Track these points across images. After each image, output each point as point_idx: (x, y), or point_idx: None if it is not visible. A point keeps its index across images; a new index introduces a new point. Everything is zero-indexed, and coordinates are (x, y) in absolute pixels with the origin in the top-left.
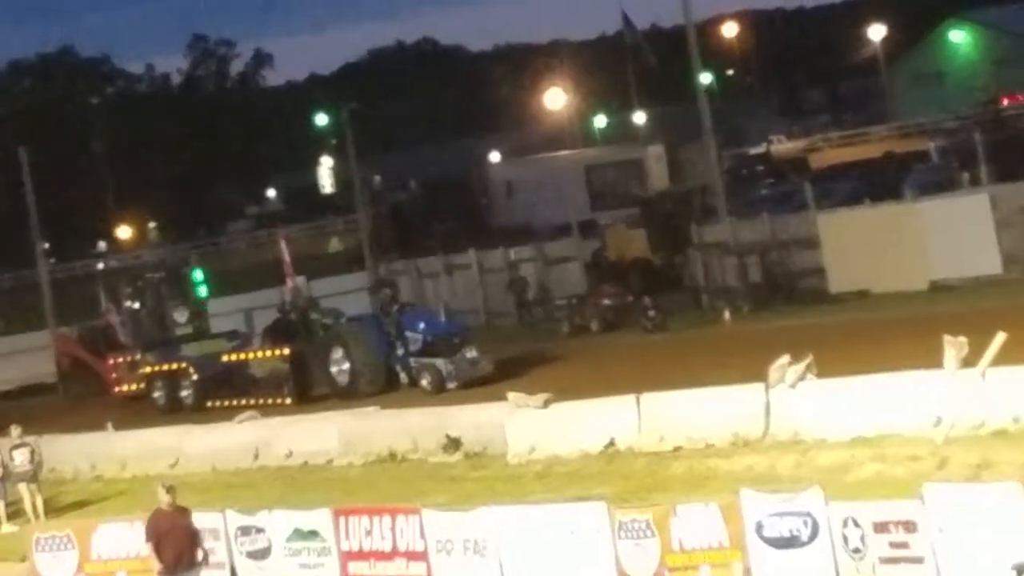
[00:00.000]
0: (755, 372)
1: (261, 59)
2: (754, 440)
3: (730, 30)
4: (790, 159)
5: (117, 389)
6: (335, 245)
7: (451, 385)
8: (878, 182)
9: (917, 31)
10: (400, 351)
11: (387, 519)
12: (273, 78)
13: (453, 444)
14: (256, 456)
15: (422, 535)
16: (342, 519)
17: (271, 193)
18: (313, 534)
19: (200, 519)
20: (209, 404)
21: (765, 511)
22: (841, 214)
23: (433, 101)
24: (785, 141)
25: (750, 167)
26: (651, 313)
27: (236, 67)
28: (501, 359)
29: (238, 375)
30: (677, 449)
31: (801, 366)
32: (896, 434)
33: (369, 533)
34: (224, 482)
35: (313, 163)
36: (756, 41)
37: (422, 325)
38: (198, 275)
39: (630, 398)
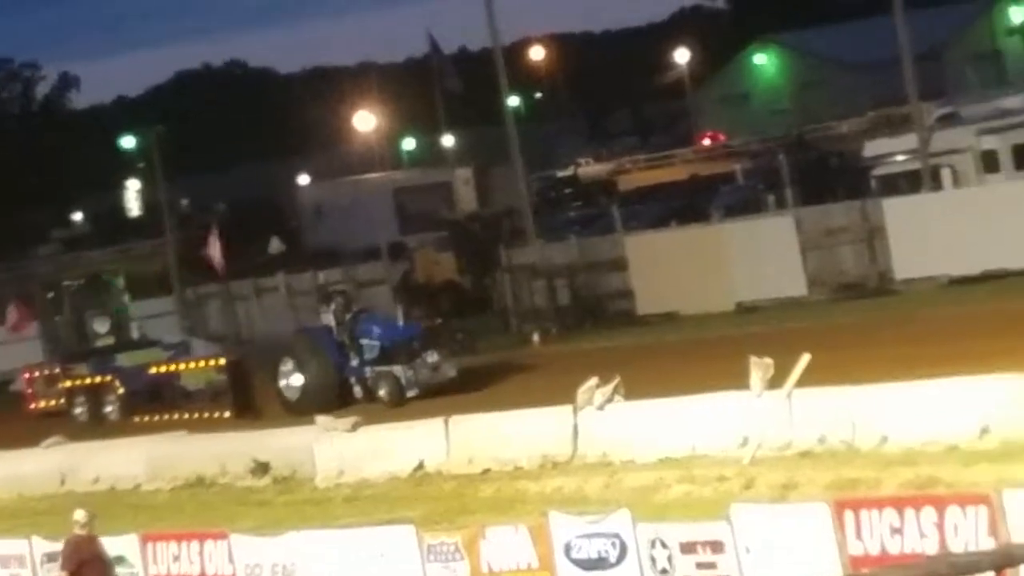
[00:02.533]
0: (564, 394)
1: (68, 82)
2: (562, 462)
3: (537, 53)
4: (598, 181)
5: (33, 405)
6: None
7: (412, 393)
8: (685, 204)
9: (723, 54)
10: (355, 361)
11: (195, 544)
12: (80, 101)
13: (261, 468)
14: (63, 481)
15: (231, 560)
16: (150, 544)
17: (78, 216)
18: (120, 560)
19: (5, 546)
20: (137, 419)
21: (573, 533)
22: (648, 236)
23: (242, 124)
24: (593, 164)
25: (558, 190)
26: (459, 336)
27: (42, 90)
28: None
29: (168, 387)
30: (486, 471)
31: (609, 388)
32: (704, 455)
33: (177, 558)
34: (30, 508)
35: (120, 186)
36: (564, 64)
37: (377, 330)
38: (120, 283)
39: (438, 421)
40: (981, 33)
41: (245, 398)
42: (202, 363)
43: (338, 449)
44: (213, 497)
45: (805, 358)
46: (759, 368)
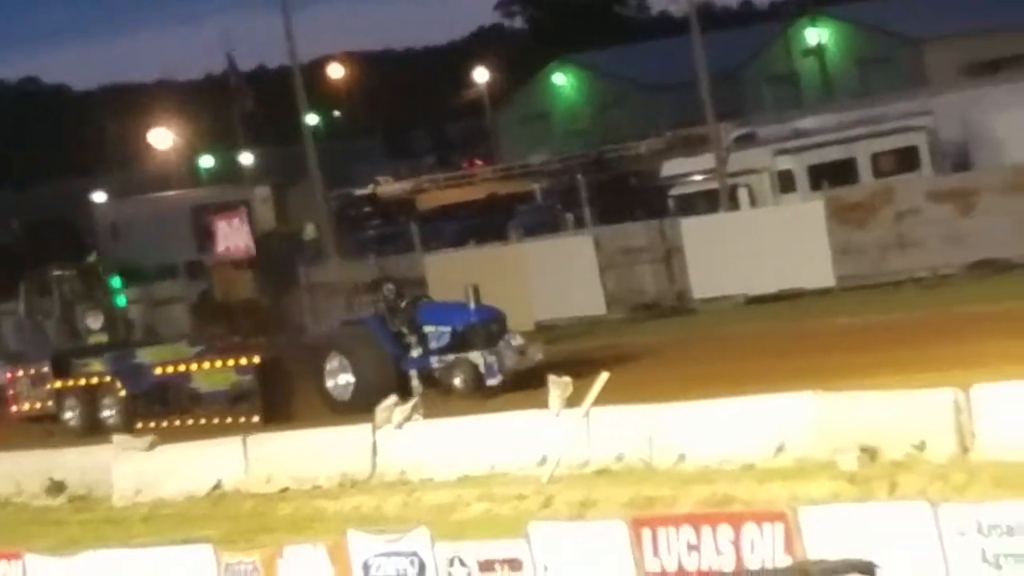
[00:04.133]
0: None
1: None
2: (361, 480)
3: (337, 71)
4: (397, 200)
5: (15, 408)
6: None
7: (493, 381)
8: (484, 223)
9: (523, 74)
10: (416, 352)
11: None
12: None
13: (57, 487)
14: None
15: None
16: None
17: None
18: None
19: None
20: (140, 425)
21: (372, 551)
22: (447, 255)
23: (37, 141)
24: (392, 182)
25: (357, 208)
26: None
27: None
28: None
29: (177, 390)
30: (284, 490)
31: (408, 406)
32: (503, 473)
33: None
34: None
35: None
36: (364, 82)
37: (446, 315)
38: (116, 281)
39: (236, 440)
40: (778, 54)
41: (276, 400)
42: (219, 362)
43: (136, 467)
44: (7, 516)
45: (603, 377)
46: (557, 387)
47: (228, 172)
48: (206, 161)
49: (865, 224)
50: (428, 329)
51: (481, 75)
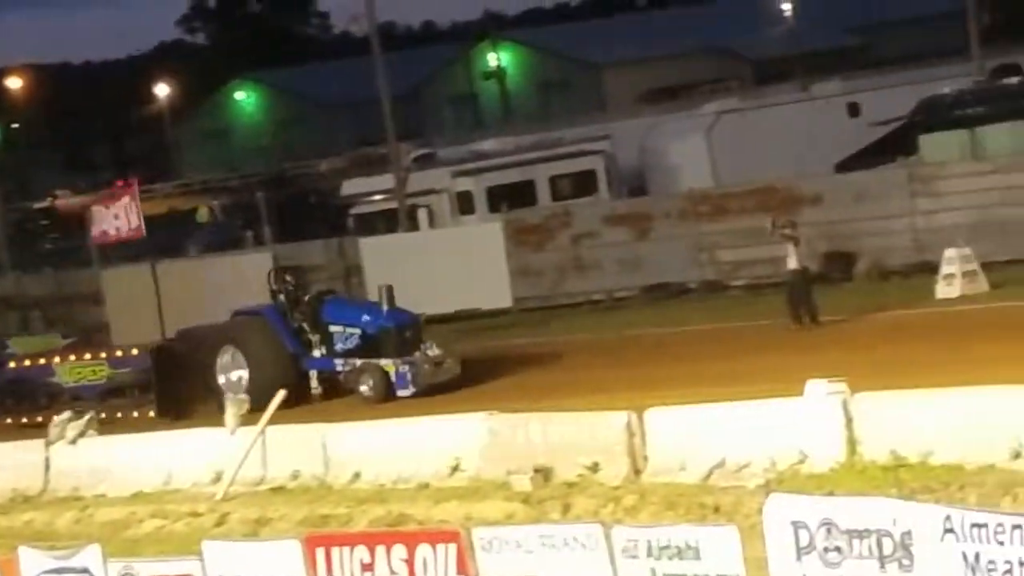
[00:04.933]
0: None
1: None
2: (33, 496)
3: (14, 83)
4: (75, 214)
5: None
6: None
7: (404, 392)
8: (164, 239)
9: (204, 89)
10: (319, 351)
11: None
12: None
13: None
14: None
15: None
16: None
17: None
18: None
19: None
20: None
21: (42, 567)
22: (125, 270)
23: None
24: (71, 196)
25: (34, 221)
26: None
27: None
28: None
29: (33, 383)
30: None
31: (81, 422)
32: (177, 490)
33: None
34: None
35: None
36: (43, 95)
37: (355, 316)
38: None
39: None
40: (459, 76)
41: (170, 393)
42: (88, 355)
43: None
44: None
45: (280, 394)
46: (233, 404)
47: None
48: None
49: (543, 246)
50: (334, 328)
51: (162, 90)
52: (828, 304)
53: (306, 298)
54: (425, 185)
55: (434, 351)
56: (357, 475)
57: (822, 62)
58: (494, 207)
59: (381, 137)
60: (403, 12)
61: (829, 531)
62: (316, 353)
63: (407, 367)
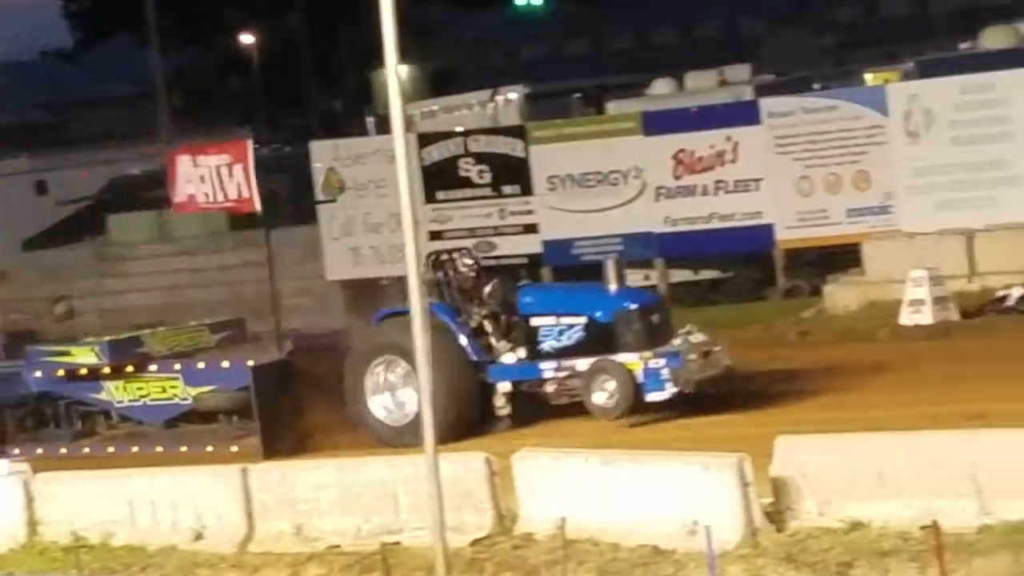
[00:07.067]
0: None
1: None
2: None
3: None
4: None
5: None
6: None
7: (659, 395)
8: None
9: None
10: (513, 357)
11: None
12: None
13: None
14: None
15: None
16: None
17: None
18: None
19: None
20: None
21: None
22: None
23: None
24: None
25: None
26: None
27: None
28: None
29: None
30: None
31: None
32: None
33: None
34: None
35: None
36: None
37: (585, 300)
38: None
39: None
40: None
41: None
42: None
43: None
44: None
45: None
46: None
47: None
48: None
49: None
50: (540, 322)
51: None
52: None
53: (487, 288)
54: None
55: (697, 336)
56: None
57: (9, 137)
58: None
59: None
60: None
61: None
62: (508, 359)
63: (663, 361)
